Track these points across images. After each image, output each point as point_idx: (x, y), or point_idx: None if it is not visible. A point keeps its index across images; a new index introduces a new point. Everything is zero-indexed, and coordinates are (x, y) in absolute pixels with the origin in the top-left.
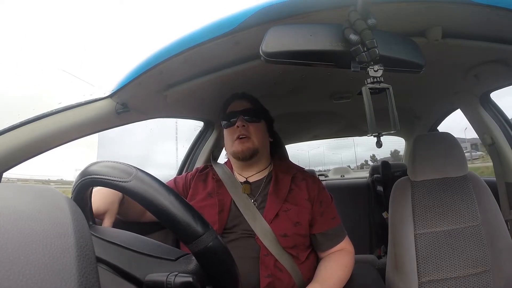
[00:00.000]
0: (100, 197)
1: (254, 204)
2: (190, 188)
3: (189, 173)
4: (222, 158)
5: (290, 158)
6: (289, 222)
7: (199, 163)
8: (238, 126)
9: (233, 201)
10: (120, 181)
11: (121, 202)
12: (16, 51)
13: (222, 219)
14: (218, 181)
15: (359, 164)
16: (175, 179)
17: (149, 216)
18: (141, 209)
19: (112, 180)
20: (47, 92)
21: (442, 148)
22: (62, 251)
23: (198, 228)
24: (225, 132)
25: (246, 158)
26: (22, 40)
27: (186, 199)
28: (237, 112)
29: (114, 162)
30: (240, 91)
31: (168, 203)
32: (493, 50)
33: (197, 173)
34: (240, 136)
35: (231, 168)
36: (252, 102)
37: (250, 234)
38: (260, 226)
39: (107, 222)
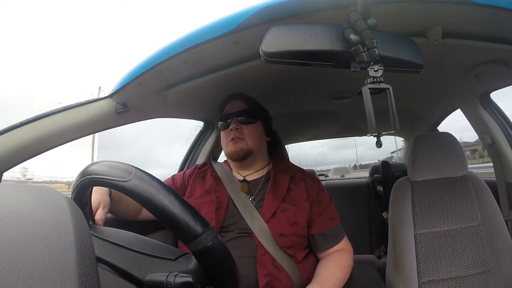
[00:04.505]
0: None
1: (252, 202)
2: (188, 185)
3: (187, 170)
4: (222, 158)
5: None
6: (286, 222)
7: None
8: (231, 129)
9: (231, 199)
10: (119, 181)
11: (110, 198)
12: (14, 51)
13: (219, 217)
14: (216, 178)
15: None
16: (173, 176)
17: (144, 215)
18: (135, 208)
19: (112, 179)
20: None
21: (442, 148)
22: (62, 251)
23: (197, 227)
24: (221, 133)
25: (239, 159)
26: (19, 40)
27: (184, 196)
28: (231, 113)
29: (113, 161)
30: (240, 91)
31: (167, 202)
32: (493, 50)
33: (196, 170)
34: (234, 138)
35: (230, 167)
36: (248, 102)
37: (247, 233)
38: (258, 225)
39: (100, 213)
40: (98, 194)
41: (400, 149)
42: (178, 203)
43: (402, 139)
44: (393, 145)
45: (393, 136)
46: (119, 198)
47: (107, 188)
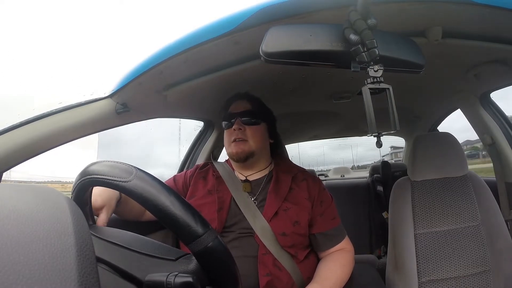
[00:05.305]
0: (98, 192)
1: (254, 202)
2: (190, 185)
3: (189, 171)
4: (222, 158)
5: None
6: (288, 221)
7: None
8: (234, 129)
9: (233, 199)
10: (120, 181)
11: (118, 202)
12: (14, 51)
13: (221, 217)
14: (218, 178)
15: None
16: (174, 177)
17: (148, 216)
18: (139, 209)
19: (113, 180)
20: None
21: (442, 148)
22: (62, 251)
23: (198, 228)
24: (224, 132)
25: (241, 160)
26: (19, 40)
27: (185, 197)
28: (235, 113)
29: (114, 161)
30: (242, 91)
31: (168, 203)
32: (493, 50)
33: (197, 170)
34: (237, 139)
35: (232, 167)
36: (253, 103)
37: (249, 233)
38: (260, 225)
39: (102, 217)
40: (104, 197)
41: (388, 154)
42: (178, 203)
43: (390, 145)
44: (384, 149)
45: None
46: (127, 200)
47: (116, 193)
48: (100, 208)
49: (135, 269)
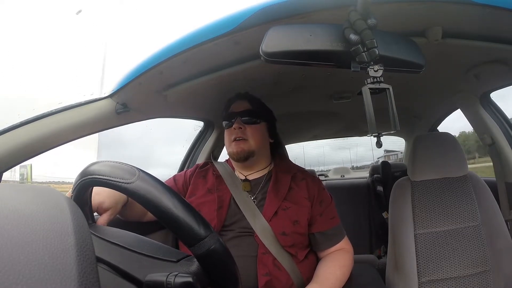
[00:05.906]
0: (108, 194)
1: (254, 201)
2: (190, 184)
3: (189, 170)
4: (222, 158)
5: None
6: (288, 221)
7: None
8: (235, 128)
9: (233, 198)
10: (123, 182)
11: (124, 205)
12: (14, 51)
13: (220, 216)
14: (218, 177)
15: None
16: (174, 177)
17: (149, 217)
18: (141, 210)
19: (115, 181)
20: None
21: (442, 148)
22: (62, 251)
23: (201, 231)
24: (225, 132)
25: (241, 159)
26: (19, 39)
27: (185, 196)
28: (235, 113)
29: (116, 162)
30: (242, 91)
31: (171, 205)
32: (493, 50)
33: (197, 169)
34: (237, 138)
35: (232, 166)
36: (253, 103)
37: (249, 232)
38: (260, 224)
39: (104, 218)
40: (112, 201)
41: (382, 156)
42: (181, 206)
43: (384, 148)
44: (378, 152)
45: (371, 147)
46: (133, 203)
47: (124, 196)
48: (105, 210)
49: (135, 269)
